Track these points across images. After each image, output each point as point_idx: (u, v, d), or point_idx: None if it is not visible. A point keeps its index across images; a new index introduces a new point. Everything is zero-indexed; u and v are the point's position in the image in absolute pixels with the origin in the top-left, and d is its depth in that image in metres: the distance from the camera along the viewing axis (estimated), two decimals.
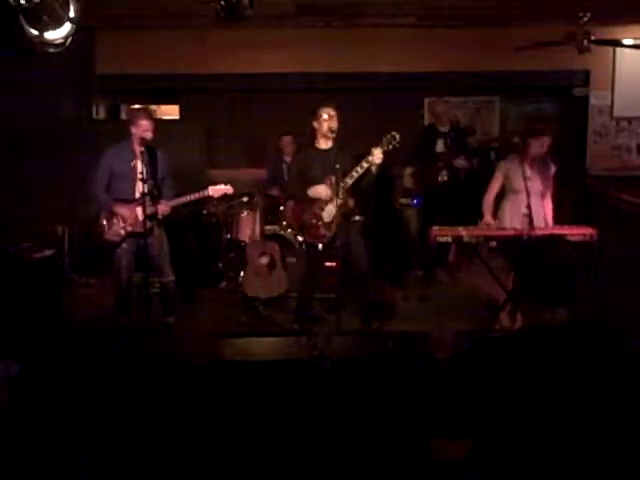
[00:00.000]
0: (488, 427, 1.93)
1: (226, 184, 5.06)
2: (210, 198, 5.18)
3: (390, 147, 4.56)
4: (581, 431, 1.80)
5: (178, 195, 4.98)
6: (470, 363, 1.92)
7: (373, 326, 5.00)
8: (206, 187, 5.01)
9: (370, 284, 5.12)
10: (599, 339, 1.96)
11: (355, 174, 4.58)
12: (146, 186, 4.53)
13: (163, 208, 4.83)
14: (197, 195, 4.97)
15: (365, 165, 4.55)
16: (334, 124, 4.72)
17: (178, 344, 4.39)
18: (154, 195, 4.78)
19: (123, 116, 8.70)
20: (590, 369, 1.87)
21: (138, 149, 4.79)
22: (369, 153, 4.54)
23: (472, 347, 1.94)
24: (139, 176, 4.55)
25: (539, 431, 1.81)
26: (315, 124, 4.84)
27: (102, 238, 4.89)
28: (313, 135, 4.91)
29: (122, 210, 4.82)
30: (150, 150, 4.82)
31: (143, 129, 4.77)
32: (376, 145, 4.56)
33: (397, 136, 4.58)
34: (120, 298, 5.00)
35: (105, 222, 4.86)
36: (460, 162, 6.62)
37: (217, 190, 5.02)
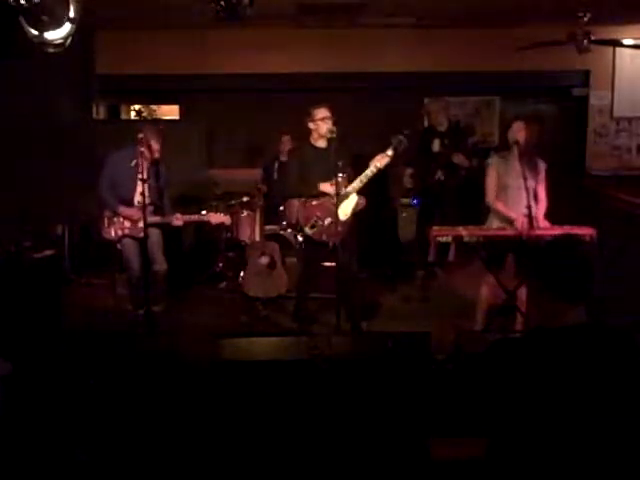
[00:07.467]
0: (494, 428, 1.92)
1: (225, 215, 5.34)
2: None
3: (400, 148, 4.66)
4: (596, 437, 1.79)
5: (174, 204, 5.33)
6: (489, 365, 1.90)
7: (362, 327, 5.00)
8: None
9: (359, 284, 5.13)
10: (614, 340, 1.95)
11: (365, 177, 4.68)
12: (147, 192, 4.70)
13: (177, 222, 5.07)
14: (198, 218, 5.32)
15: (375, 168, 4.64)
16: (332, 125, 4.72)
17: (178, 344, 4.39)
18: (158, 206, 5.08)
19: (123, 116, 8.71)
20: (607, 372, 1.86)
21: (143, 159, 4.86)
22: (380, 155, 4.64)
23: (491, 349, 1.92)
24: (139, 182, 4.66)
25: (553, 435, 1.80)
26: (312, 125, 4.81)
27: (100, 236, 5.15)
28: (308, 134, 4.89)
29: (126, 213, 5.01)
30: (153, 162, 5.03)
31: (154, 149, 4.95)
32: (384, 148, 4.64)
33: (404, 139, 4.66)
34: (134, 290, 5.14)
35: (106, 221, 5.09)
36: (459, 158, 6.57)
37: (216, 218, 5.25)
